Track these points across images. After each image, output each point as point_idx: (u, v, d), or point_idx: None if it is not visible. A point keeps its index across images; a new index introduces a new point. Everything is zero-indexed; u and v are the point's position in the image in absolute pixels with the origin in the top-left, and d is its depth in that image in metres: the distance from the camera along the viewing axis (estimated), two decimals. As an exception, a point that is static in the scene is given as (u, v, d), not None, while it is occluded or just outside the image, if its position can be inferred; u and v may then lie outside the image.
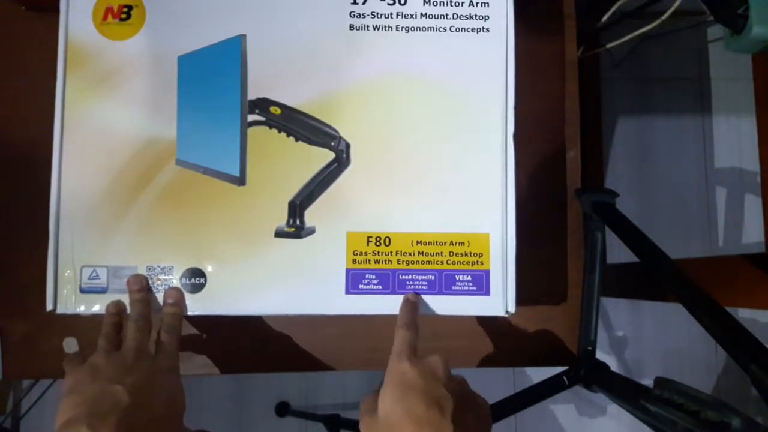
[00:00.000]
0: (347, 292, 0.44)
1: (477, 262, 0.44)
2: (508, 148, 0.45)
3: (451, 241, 0.44)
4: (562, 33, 0.56)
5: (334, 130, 0.44)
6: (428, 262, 0.44)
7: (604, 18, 0.85)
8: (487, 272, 0.44)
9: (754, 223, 1.22)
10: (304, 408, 1.11)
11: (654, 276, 0.51)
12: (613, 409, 1.13)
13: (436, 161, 0.45)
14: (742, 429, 0.35)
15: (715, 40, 1.26)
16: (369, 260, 0.44)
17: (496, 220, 0.45)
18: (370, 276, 0.44)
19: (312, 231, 0.44)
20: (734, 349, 0.40)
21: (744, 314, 1.08)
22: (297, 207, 0.44)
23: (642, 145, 1.24)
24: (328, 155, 0.44)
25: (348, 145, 0.44)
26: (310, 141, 0.44)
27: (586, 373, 0.53)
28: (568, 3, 0.57)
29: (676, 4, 0.75)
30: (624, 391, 0.48)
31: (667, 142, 1.24)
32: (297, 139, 0.44)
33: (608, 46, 0.91)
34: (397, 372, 0.37)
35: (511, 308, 0.44)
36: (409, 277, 0.44)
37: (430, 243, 0.44)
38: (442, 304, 0.44)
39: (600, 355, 0.53)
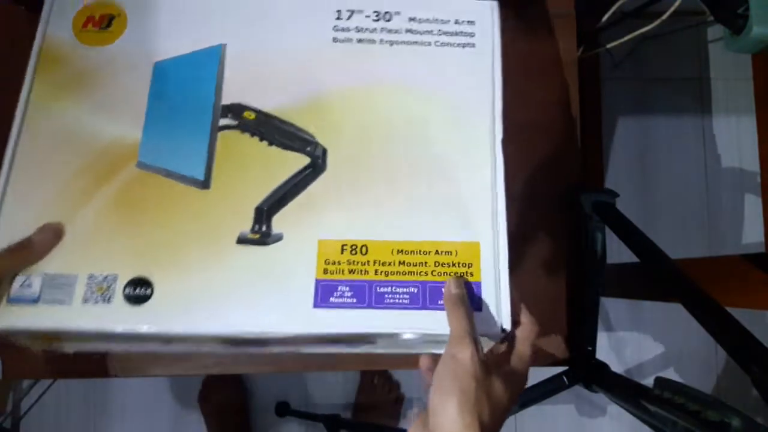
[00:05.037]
0: (315, 305, 0.39)
1: (466, 273, 0.40)
2: (496, 155, 0.43)
3: (437, 250, 0.41)
4: (562, 33, 0.56)
5: (311, 136, 0.43)
6: (410, 272, 0.40)
7: (604, 18, 0.85)
8: (478, 284, 0.40)
9: (754, 223, 1.22)
10: (304, 408, 1.11)
11: (654, 276, 0.51)
12: (613, 409, 1.13)
13: (420, 168, 0.43)
14: (742, 429, 0.35)
15: (715, 40, 1.26)
16: (342, 270, 0.40)
17: (486, 228, 0.42)
18: (343, 288, 0.40)
19: (279, 238, 0.41)
20: (734, 350, 0.40)
21: (744, 314, 1.08)
22: (264, 212, 0.41)
23: (642, 145, 1.24)
24: (304, 161, 0.43)
25: (325, 151, 0.43)
26: (284, 146, 0.43)
27: (586, 373, 0.53)
28: (568, 3, 0.57)
29: (676, 4, 0.75)
30: (624, 391, 0.48)
31: (667, 142, 1.24)
32: (271, 144, 0.43)
33: (608, 46, 0.91)
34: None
35: (507, 324, 0.39)
36: (389, 289, 0.40)
37: (413, 252, 0.41)
38: (425, 322, 0.39)
39: (600, 355, 0.53)
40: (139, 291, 0.39)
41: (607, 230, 0.54)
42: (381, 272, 0.40)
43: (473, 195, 0.42)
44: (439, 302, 0.39)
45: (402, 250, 0.41)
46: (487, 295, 0.40)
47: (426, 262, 0.40)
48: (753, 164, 1.24)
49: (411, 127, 0.44)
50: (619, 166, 1.23)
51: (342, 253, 0.40)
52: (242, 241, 0.41)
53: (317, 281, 0.40)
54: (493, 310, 0.40)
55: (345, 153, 0.43)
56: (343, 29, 0.46)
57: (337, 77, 0.45)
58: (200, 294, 0.39)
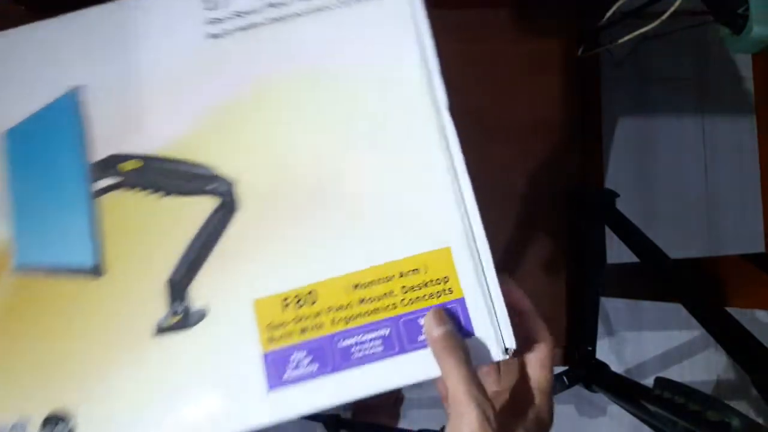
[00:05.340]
0: (270, 386, 0.31)
1: (444, 291, 0.31)
2: (446, 126, 0.33)
3: (401, 272, 0.32)
4: (561, 33, 0.56)
5: (209, 170, 0.34)
6: (375, 310, 0.31)
7: (604, 18, 0.85)
8: (462, 301, 0.31)
9: (754, 223, 1.22)
10: (304, 408, 1.11)
11: (654, 276, 0.51)
12: (613, 409, 1.13)
13: (355, 172, 0.33)
14: (742, 429, 0.35)
15: (716, 40, 1.26)
16: (292, 332, 0.31)
17: (454, 225, 0.32)
18: (299, 355, 0.31)
19: (203, 314, 0.32)
20: (735, 350, 0.40)
21: (744, 314, 1.08)
22: (178, 285, 0.33)
23: (642, 145, 1.24)
24: (211, 204, 0.34)
25: (231, 184, 0.34)
26: (181, 191, 0.34)
27: (586, 373, 0.53)
28: (568, 3, 0.57)
29: (676, 4, 0.75)
30: (624, 391, 0.48)
31: (667, 142, 1.24)
32: (167, 193, 0.34)
33: (608, 46, 0.91)
34: None
35: (510, 342, 0.31)
36: (353, 340, 0.31)
37: (372, 283, 0.32)
38: (409, 369, 0.31)
39: (600, 355, 0.53)
40: (60, 430, 0.31)
41: (607, 230, 0.54)
42: (339, 320, 0.31)
43: (428, 186, 0.33)
44: (420, 338, 0.31)
45: (358, 285, 0.32)
46: (477, 311, 0.31)
47: (391, 291, 0.32)
48: (753, 164, 1.24)
49: (331, 123, 0.34)
50: (619, 166, 1.23)
51: (286, 309, 0.32)
52: (162, 330, 0.32)
53: (265, 355, 0.31)
54: (488, 329, 0.31)
55: (259, 179, 0.34)
56: (217, 20, 0.36)
57: (227, 82, 0.35)
58: (130, 411, 0.31)
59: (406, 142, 0.33)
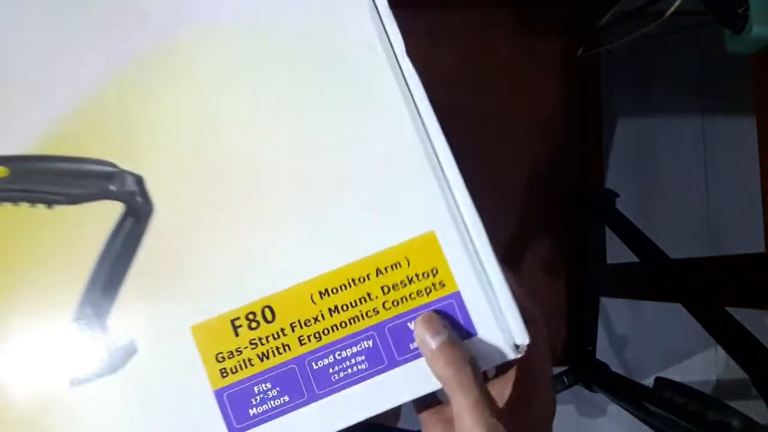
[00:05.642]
0: (232, 431, 0.25)
1: (435, 285, 0.26)
2: (408, 79, 0.26)
3: (378, 269, 0.26)
4: (561, 33, 0.56)
5: (107, 164, 0.26)
6: (353, 319, 0.26)
7: (605, 18, 0.85)
8: (457, 295, 0.26)
9: (754, 223, 1.23)
10: (304, 408, 1.11)
11: (654, 276, 0.51)
12: (613, 409, 1.13)
13: (300, 150, 0.26)
14: (742, 429, 0.35)
15: (716, 40, 1.26)
16: (249, 359, 0.25)
17: (435, 203, 0.26)
18: (263, 386, 0.25)
19: (132, 351, 0.25)
20: (735, 350, 0.40)
21: (744, 314, 1.08)
22: (91, 319, 0.25)
23: (642, 145, 1.24)
24: (116, 210, 0.26)
25: (140, 180, 0.26)
26: (71, 198, 0.26)
27: (586, 373, 0.53)
28: (568, 3, 0.57)
29: (676, 4, 0.75)
30: (624, 391, 0.48)
31: (667, 142, 1.24)
32: (50, 204, 0.26)
33: (608, 46, 0.91)
34: None
35: (521, 338, 0.25)
36: (329, 359, 0.25)
37: (343, 286, 0.26)
38: (406, 385, 0.25)
39: (600, 355, 0.53)
40: None
41: (607, 230, 0.54)
42: (308, 337, 0.25)
43: (394, 156, 0.26)
44: (412, 346, 0.25)
45: (326, 291, 0.26)
46: (477, 305, 0.26)
47: (369, 294, 0.26)
48: (753, 164, 1.24)
49: (264, 86, 0.27)
50: (619, 166, 1.23)
51: (237, 332, 0.25)
52: (80, 381, 0.25)
53: (217, 393, 0.25)
54: (493, 325, 0.26)
55: (176, 169, 0.26)
56: None
57: (116, 47, 0.26)
58: None
59: (358, 103, 0.26)
